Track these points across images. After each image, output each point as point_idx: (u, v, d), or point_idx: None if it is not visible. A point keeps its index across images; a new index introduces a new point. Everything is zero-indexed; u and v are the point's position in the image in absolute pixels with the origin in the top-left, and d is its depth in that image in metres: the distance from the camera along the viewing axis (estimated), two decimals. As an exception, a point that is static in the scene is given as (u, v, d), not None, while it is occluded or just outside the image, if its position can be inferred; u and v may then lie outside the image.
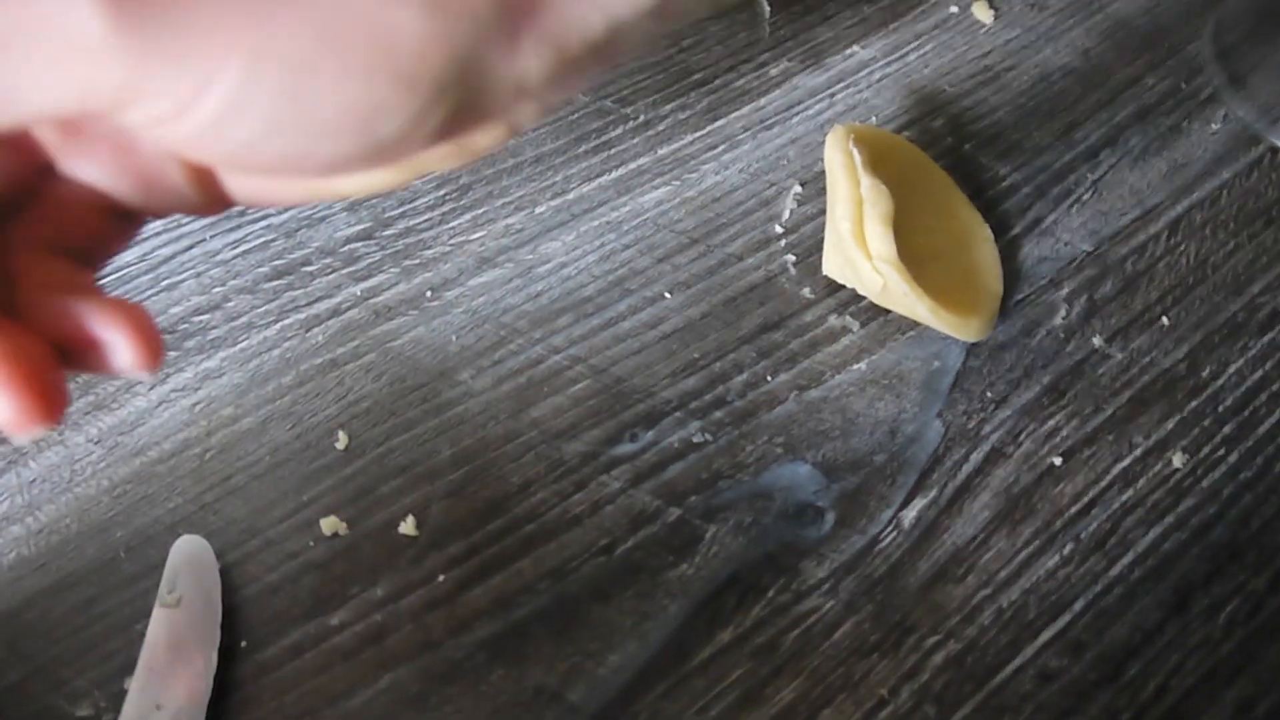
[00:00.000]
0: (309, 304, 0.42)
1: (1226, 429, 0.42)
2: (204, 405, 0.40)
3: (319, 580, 0.37)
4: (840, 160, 0.41)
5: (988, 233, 0.44)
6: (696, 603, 0.37)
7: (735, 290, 0.43)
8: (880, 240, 0.40)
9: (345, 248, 0.44)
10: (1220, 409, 0.42)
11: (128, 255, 0.43)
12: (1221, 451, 0.41)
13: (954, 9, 0.52)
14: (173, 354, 0.41)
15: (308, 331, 0.42)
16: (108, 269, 0.43)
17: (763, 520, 0.39)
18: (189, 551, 0.37)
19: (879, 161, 0.42)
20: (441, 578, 0.37)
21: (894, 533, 0.39)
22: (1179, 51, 0.51)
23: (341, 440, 0.39)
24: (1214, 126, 0.49)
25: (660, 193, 0.46)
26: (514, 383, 0.41)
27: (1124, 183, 0.47)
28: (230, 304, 0.42)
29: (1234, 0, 0.51)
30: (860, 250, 0.40)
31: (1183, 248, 0.46)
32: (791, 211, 0.45)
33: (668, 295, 0.43)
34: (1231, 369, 0.43)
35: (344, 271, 0.43)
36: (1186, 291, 0.45)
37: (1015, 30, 0.51)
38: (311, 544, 0.38)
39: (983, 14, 0.51)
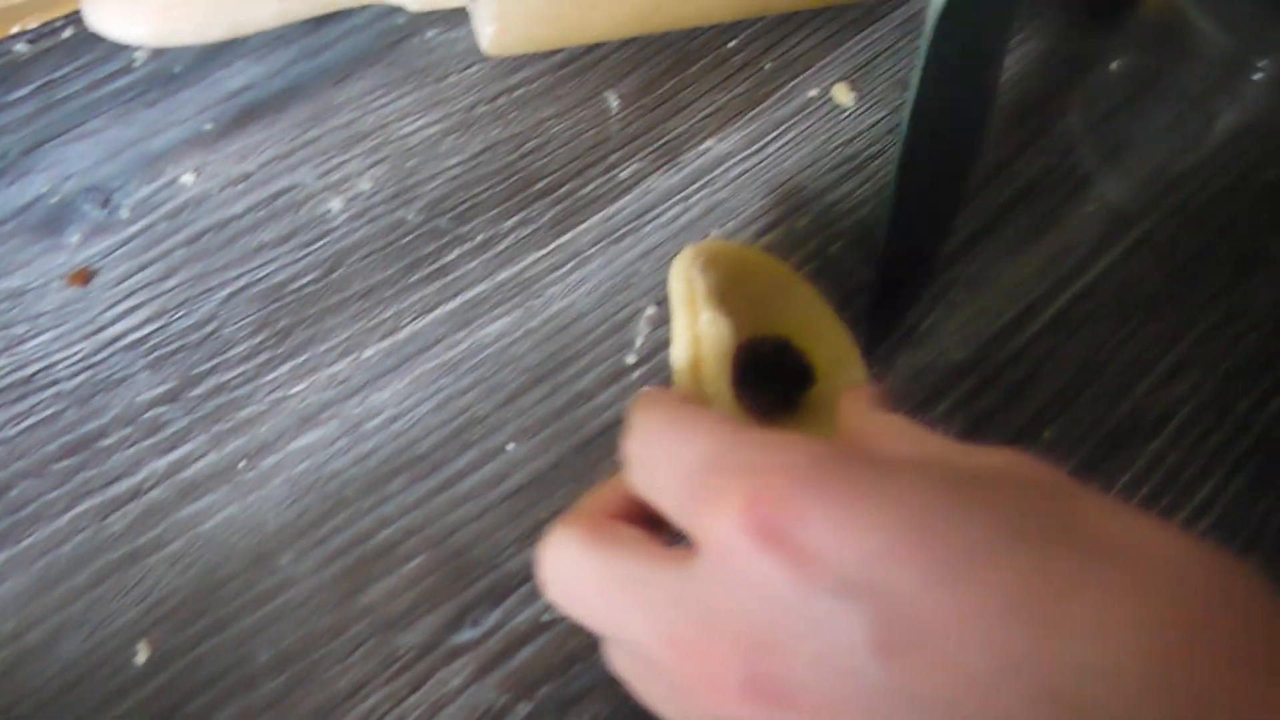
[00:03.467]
0: (104, 486, 0.38)
1: (1117, 555, 0.39)
2: (-19, 621, 0.35)
3: (117, 827, 0.32)
4: (681, 291, 0.37)
5: (857, 355, 0.41)
6: (550, 816, 0.33)
7: (586, 434, 0.40)
8: (714, 381, 0.36)
9: (147, 414, 0.39)
10: (1109, 532, 0.39)
11: (-106, 439, 0.38)
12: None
13: (813, 92, 0.48)
14: (-55, 558, 0.36)
15: (104, 519, 0.37)
16: None
17: (623, 709, 0.35)
18: (-40, 810, 0.32)
19: (737, 282, 0.38)
20: (261, 810, 0.33)
21: (767, 709, 0.35)
22: (1050, 128, 0.48)
23: (142, 652, 0.35)
24: (1089, 208, 0.46)
25: (502, 324, 0.42)
26: (341, 564, 0.37)
27: (1001, 278, 0.44)
28: (13, 492, 0.37)
29: (1105, 67, 0.49)
30: (696, 393, 0.36)
31: (1064, 349, 0.43)
32: (645, 337, 0.42)
33: (511, 446, 0.39)
34: (1117, 486, 0.40)
35: (145, 444, 0.38)
36: (1070, 400, 0.42)
37: (880, 112, 0.48)
38: (109, 782, 0.33)
39: (844, 97, 0.48)
